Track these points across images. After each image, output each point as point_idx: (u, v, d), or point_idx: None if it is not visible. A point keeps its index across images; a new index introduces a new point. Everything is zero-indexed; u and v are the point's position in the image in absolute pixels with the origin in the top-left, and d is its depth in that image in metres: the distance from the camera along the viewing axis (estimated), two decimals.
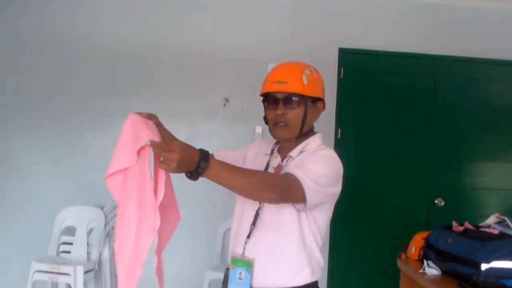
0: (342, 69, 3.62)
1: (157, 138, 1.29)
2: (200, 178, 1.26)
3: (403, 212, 3.63)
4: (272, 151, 1.65)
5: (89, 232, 3.29)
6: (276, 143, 1.66)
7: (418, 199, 3.69)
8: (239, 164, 1.67)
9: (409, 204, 3.68)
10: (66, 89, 3.51)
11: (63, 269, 3.00)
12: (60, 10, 3.52)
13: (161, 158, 1.18)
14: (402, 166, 3.68)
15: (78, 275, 2.99)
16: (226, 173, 1.27)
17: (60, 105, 3.50)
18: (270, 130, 1.58)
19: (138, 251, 1.29)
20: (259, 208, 1.52)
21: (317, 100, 1.56)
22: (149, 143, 1.24)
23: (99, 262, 3.26)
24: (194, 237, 3.42)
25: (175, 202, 1.44)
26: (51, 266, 3.02)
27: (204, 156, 1.23)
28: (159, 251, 1.40)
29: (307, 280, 1.49)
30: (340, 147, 3.56)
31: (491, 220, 2.29)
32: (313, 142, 1.57)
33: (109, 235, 3.34)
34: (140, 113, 1.34)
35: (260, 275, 1.49)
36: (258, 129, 3.51)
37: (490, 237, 1.93)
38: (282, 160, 1.57)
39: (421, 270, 2.11)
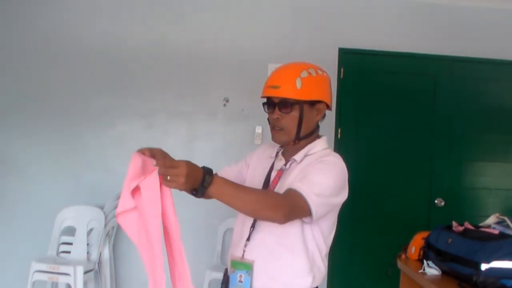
0: (342, 69, 3.62)
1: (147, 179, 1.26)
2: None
3: (403, 212, 3.63)
4: (277, 153, 1.66)
5: (89, 232, 3.28)
6: (281, 146, 1.65)
7: (418, 199, 3.69)
8: (244, 172, 1.70)
9: (409, 204, 3.68)
10: (66, 89, 3.51)
11: (63, 269, 3.00)
12: (60, 10, 3.52)
13: (168, 177, 1.19)
14: (402, 166, 3.68)
15: (78, 275, 2.98)
16: (230, 189, 1.30)
17: (60, 105, 3.50)
18: (271, 133, 1.59)
19: None
20: None
21: (316, 102, 1.54)
22: (154, 163, 1.24)
23: (99, 262, 3.26)
24: (194, 237, 3.42)
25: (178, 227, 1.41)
26: (51, 266, 3.02)
27: (208, 171, 1.26)
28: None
29: (307, 287, 1.49)
30: (340, 147, 3.56)
31: (491, 220, 2.29)
32: (318, 146, 1.57)
33: (109, 235, 3.34)
34: (142, 150, 1.31)
35: (259, 277, 1.49)
36: (258, 129, 3.51)
37: (490, 237, 1.93)
38: (286, 163, 1.57)
39: (421, 270, 2.10)
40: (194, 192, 1.26)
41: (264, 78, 1.60)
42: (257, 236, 1.51)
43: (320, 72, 1.55)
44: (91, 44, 3.51)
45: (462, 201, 3.72)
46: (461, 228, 2.10)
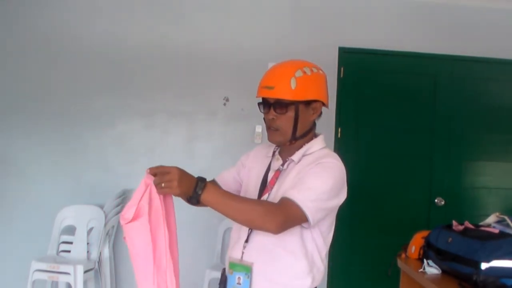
0: (342, 69, 3.63)
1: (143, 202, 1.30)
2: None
3: (403, 212, 3.63)
4: (273, 153, 1.64)
5: (89, 231, 3.29)
6: (278, 145, 1.64)
7: (418, 199, 3.69)
8: (241, 173, 1.69)
9: (409, 203, 3.68)
10: (66, 89, 3.51)
11: (63, 268, 3.00)
12: (60, 10, 3.52)
13: (162, 184, 1.25)
14: (402, 165, 3.68)
15: (78, 274, 2.98)
16: (223, 197, 1.32)
17: (60, 105, 3.50)
18: (267, 133, 1.58)
19: None
20: None
21: (312, 101, 1.52)
22: (148, 170, 1.29)
23: (99, 261, 3.26)
24: (194, 236, 3.42)
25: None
26: (51, 265, 3.02)
27: (200, 178, 1.30)
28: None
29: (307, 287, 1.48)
30: (340, 147, 3.56)
31: (491, 219, 2.29)
32: (315, 145, 1.56)
33: (109, 234, 3.35)
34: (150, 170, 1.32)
35: (259, 279, 1.47)
36: (258, 129, 3.51)
37: (490, 236, 1.93)
38: (284, 164, 1.56)
39: (421, 270, 2.11)
40: (189, 198, 1.29)
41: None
42: (255, 238, 1.49)
43: (315, 70, 1.52)
44: (91, 44, 3.51)
45: (462, 200, 3.72)
46: (461, 227, 2.10)
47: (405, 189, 3.69)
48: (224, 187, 1.63)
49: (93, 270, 3.19)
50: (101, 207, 3.31)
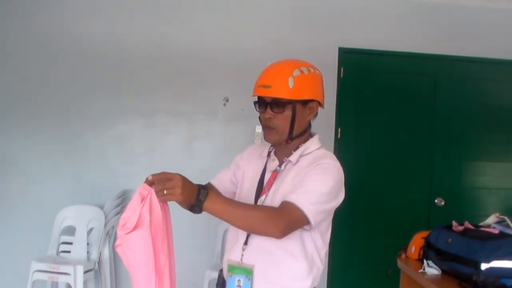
0: (342, 69, 3.63)
1: (141, 214, 1.27)
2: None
3: (403, 212, 3.63)
4: (269, 153, 1.62)
5: (89, 231, 3.29)
6: (273, 145, 1.62)
7: (418, 199, 3.69)
8: (237, 175, 1.67)
9: (409, 203, 3.68)
10: (66, 89, 3.51)
11: (63, 268, 3.00)
12: (60, 10, 3.52)
13: (165, 191, 1.23)
14: (402, 166, 3.68)
15: (78, 275, 2.98)
16: (224, 204, 1.32)
17: (60, 105, 3.50)
18: (263, 133, 1.56)
19: None
20: None
21: (309, 101, 1.51)
22: (150, 177, 1.28)
23: (99, 262, 3.26)
24: (194, 237, 3.42)
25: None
26: (51, 266, 3.02)
27: (201, 185, 1.30)
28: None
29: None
30: (340, 147, 3.55)
31: (491, 219, 2.29)
32: (312, 146, 1.55)
33: (109, 235, 3.35)
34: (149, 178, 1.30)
35: (259, 281, 1.46)
36: (258, 129, 3.51)
37: (490, 236, 1.93)
38: (280, 165, 1.55)
39: (421, 270, 2.11)
40: (191, 207, 1.28)
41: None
42: (255, 240, 1.47)
43: (312, 70, 1.51)
44: (91, 44, 3.51)
45: (462, 200, 3.72)
46: (461, 228, 2.10)
47: (405, 189, 3.69)
48: (221, 190, 1.63)
49: (93, 271, 3.19)
50: (101, 207, 3.31)
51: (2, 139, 3.49)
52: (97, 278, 3.27)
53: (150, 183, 1.28)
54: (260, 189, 1.54)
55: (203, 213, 1.31)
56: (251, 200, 1.54)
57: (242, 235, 1.51)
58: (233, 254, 1.52)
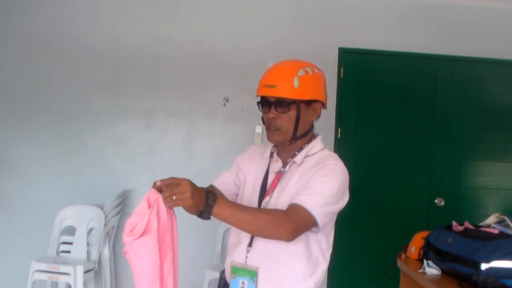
0: (342, 69, 3.62)
1: (151, 219, 1.25)
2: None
3: (403, 212, 3.63)
4: (271, 154, 1.61)
5: (89, 231, 3.29)
6: (275, 145, 1.61)
7: (418, 199, 3.69)
8: (240, 177, 1.65)
9: (409, 203, 3.68)
10: (66, 89, 3.51)
11: (63, 268, 3.00)
12: (60, 10, 3.52)
13: (174, 197, 1.21)
14: (402, 166, 3.68)
15: (78, 275, 2.98)
16: (233, 209, 1.30)
17: (60, 105, 3.50)
18: (266, 133, 1.55)
19: None
20: None
21: (313, 101, 1.50)
22: (159, 183, 1.25)
23: (99, 262, 3.26)
24: (194, 237, 3.42)
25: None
26: (51, 266, 3.02)
27: (209, 191, 1.28)
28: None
29: None
30: (340, 147, 3.56)
31: (491, 219, 2.29)
32: (316, 146, 1.54)
33: (109, 235, 3.35)
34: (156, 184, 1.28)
35: (263, 283, 1.45)
36: (258, 129, 3.51)
37: (490, 236, 1.93)
38: (284, 165, 1.53)
39: (421, 270, 2.11)
40: (199, 214, 1.26)
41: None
42: (259, 242, 1.46)
43: (316, 70, 1.51)
44: (91, 44, 3.51)
45: (462, 200, 3.72)
46: (461, 228, 2.10)
47: (405, 189, 3.69)
48: (224, 192, 1.61)
49: (93, 271, 3.19)
50: (101, 207, 3.30)
51: (2, 139, 3.49)
52: (97, 278, 3.27)
53: (158, 188, 1.26)
54: (264, 190, 1.53)
55: None
56: (254, 201, 1.53)
57: (245, 236, 1.49)
58: (237, 256, 1.51)
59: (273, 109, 1.47)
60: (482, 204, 3.74)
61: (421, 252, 2.27)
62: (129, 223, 1.24)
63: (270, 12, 3.59)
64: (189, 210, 1.24)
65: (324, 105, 1.56)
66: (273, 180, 1.53)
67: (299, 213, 1.35)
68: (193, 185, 1.23)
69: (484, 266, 1.81)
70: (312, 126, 1.58)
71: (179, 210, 1.37)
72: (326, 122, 3.47)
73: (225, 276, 1.59)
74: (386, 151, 3.68)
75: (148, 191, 1.26)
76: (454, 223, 2.17)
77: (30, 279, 3.02)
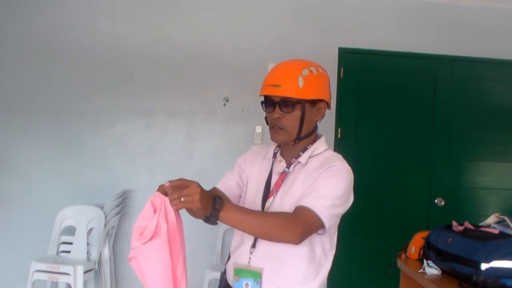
0: (342, 69, 3.62)
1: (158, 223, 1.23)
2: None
3: (403, 212, 3.63)
4: (274, 154, 1.59)
5: (89, 231, 3.29)
6: (278, 146, 1.60)
7: (418, 199, 3.69)
8: (243, 178, 1.63)
9: (409, 203, 3.68)
10: (65, 89, 3.51)
11: (63, 268, 3.00)
12: (60, 10, 3.52)
13: (182, 199, 1.18)
14: (402, 166, 3.68)
15: (78, 275, 2.98)
16: (240, 214, 1.29)
17: (60, 105, 3.50)
18: (270, 133, 1.53)
19: None
20: None
21: (318, 101, 1.49)
22: (167, 184, 1.23)
23: (99, 262, 3.26)
24: (194, 237, 3.41)
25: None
26: (51, 266, 3.02)
27: (216, 195, 1.27)
28: None
29: None
30: (340, 147, 3.56)
31: (491, 219, 2.29)
32: (320, 147, 1.53)
33: (109, 235, 3.34)
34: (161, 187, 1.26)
35: (267, 285, 1.44)
36: (258, 129, 3.51)
37: (490, 236, 1.93)
38: (288, 166, 1.52)
39: (421, 270, 2.11)
40: (206, 218, 1.25)
41: (264, 77, 1.57)
42: (263, 243, 1.44)
43: (320, 70, 1.50)
44: (91, 44, 3.51)
45: (462, 200, 3.72)
46: (461, 228, 2.10)
47: (405, 189, 3.69)
48: (228, 195, 1.59)
49: (93, 271, 3.19)
50: (101, 207, 3.30)
51: (2, 139, 3.49)
52: (97, 278, 3.27)
53: (163, 191, 1.25)
54: (268, 191, 1.51)
55: None
56: (258, 202, 1.52)
57: (248, 238, 1.48)
58: (240, 257, 1.50)
59: (277, 108, 1.46)
60: (482, 204, 3.74)
61: (421, 252, 2.27)
62: (137, 227, 1.21)
63: (270, 12, 3.59)
64: (196, 213, 1.22)
65: (328, 105, 1.55)
66: (277, 180, 1.51)
67: (306, 215, 1.34)
68: (201, 188, 1.21)
69: (484, 266, 1.80)
70: (316, 127, 1.57)
71: (181, 212, 1.36)
72: (326, 122, 3.40)
73: (226, 278, 1.58)
74: (386, 151, 3.68)
75: (152, 195, 1.24)
76: (454, 223, 2.17)
77: (30, 279, 3.02)
